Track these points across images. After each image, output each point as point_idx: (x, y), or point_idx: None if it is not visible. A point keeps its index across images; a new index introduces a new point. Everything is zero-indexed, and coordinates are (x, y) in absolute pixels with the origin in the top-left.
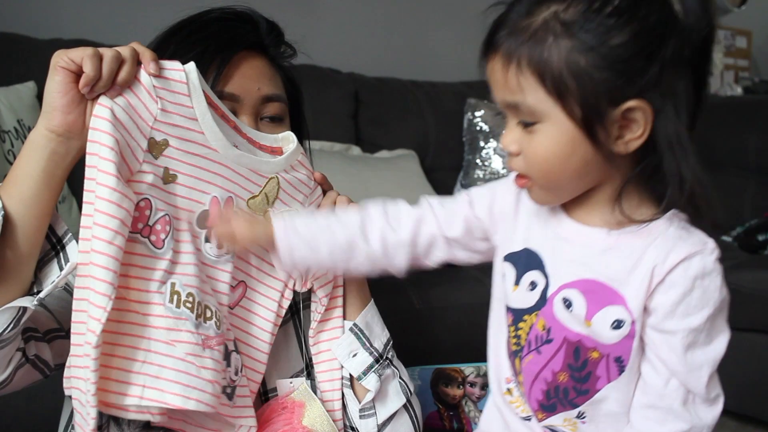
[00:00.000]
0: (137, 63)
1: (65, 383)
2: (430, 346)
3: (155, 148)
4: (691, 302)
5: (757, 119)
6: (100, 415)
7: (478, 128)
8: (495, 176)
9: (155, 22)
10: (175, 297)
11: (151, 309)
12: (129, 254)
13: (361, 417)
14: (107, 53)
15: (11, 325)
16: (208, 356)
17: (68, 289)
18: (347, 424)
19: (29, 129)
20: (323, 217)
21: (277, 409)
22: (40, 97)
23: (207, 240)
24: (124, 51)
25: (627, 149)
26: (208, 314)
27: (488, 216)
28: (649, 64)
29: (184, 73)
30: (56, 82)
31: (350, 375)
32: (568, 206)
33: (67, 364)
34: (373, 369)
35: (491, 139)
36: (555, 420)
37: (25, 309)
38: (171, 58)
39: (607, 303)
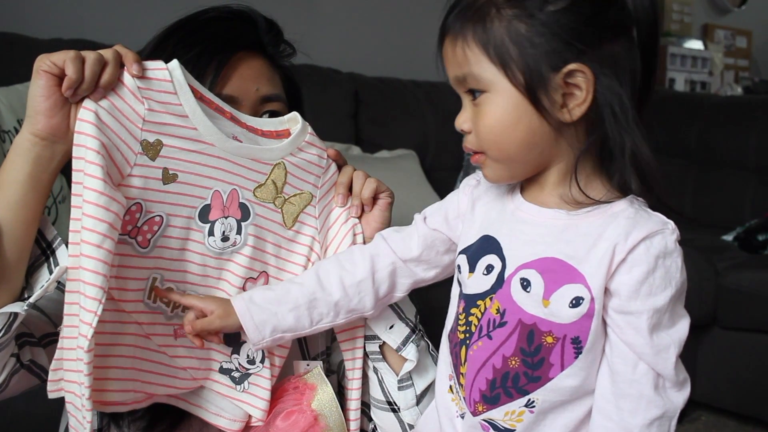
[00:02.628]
0: (120, 65)
1: (51, 386)
2: None
3: (150, 149)
4: (654, 282)
5: (757, 119)
6: (100, 417)
7: None
8: None
9: (155, 21)
10: (153, 293)
11: (136, 306)
12: (120, 256)
13: (399, 389)
14: (89, 56)
15: (2, 331)
16: (179, 344)
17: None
18: (381, 398)
19: None
20: (280, 284)
21: (288, 389)
22: None
23: (211, 233)
24: (107, 53)
25: (572, 117)
26: None
27: (445, 224)
28: (587, 28)
29: (167, 71)
30: (39, 86)
31: (380, 348)
32: (525, 190)
33: (52, 366)
34: (411, 340)
35: None
36: (495, 413)
37: (16, 315)
38: (169, 59)
39: (566, 281)
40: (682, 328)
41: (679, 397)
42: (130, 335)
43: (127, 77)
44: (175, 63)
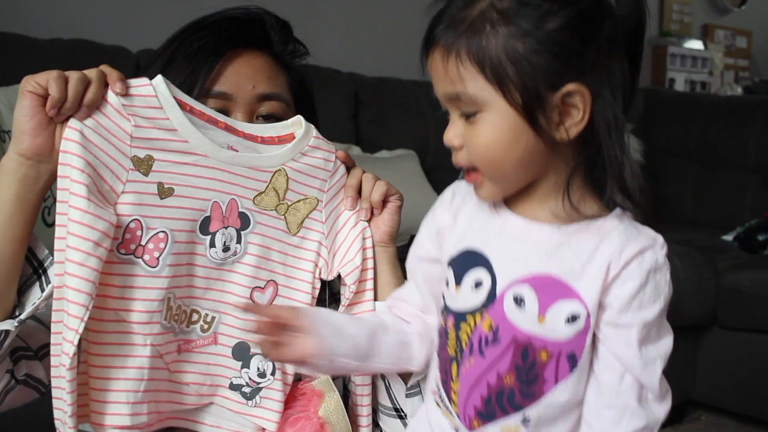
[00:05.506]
0: (105, 84)
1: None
2: None
3: (142, 165)
4: (644, 296)
5: (757, 119)
6: None
7: None
8: None
9: (155, 21)
10: (168, 312)
11: (153, 328)
12: (127, 276)
13: (407, 396)
14: (73, 75)
15: None
16: (182, 359)
17: None
18: (388, 405)
19: None
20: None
21: (296, 395)
22: None
23: (212, 245)
24: (90, 73)
25: (569, 135)
26: (194, 318)
27: (436, 244)
28: (585, 47)
29: (152, 87)
30: (23, 107)
31: None
32: (512, 202)
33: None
34: None
35: None
36: (491, 428)
37: (7, 332)
38: (172, 57)
39: (560, 297)
40: (667, 342)
41: (661, 409)
42: (143, 357)
43: (111, 95)
44: (159, 78)
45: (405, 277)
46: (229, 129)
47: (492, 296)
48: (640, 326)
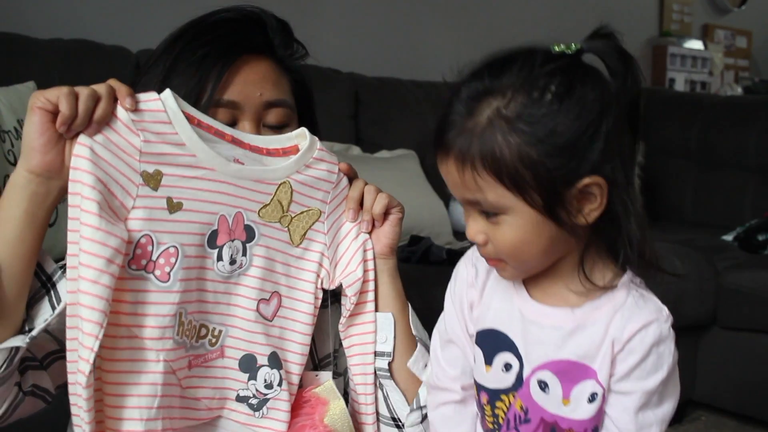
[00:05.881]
0: (114, 99)
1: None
2: None
3: (151, 180)
4: (646, 367)
5: (757, 119)
6: None
7: None
8: None
9: (155, 21)
10: (180, 328)
11: (165, 344)
12: (139, 292)
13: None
14: (83, 91)
15: (5, 365)
16: (193, 374)
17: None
18: (386, 414)
19: None
20: None
21: (301, 402)
22: None
23: (220, 258)
24: (100, 88)
25: (588, 220)
26: (203, 332)
27: (462, 322)
28: (595, 140)
29: (161, 101)
30: (33, 123)
31: (388, 366)
32: (528, 284)
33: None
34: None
35: None
36: None
37: (18, 349)
38: (175, 62)
39: (581, 379)
40: (669, 406)
41: None
42: (157, 373)
43: (120, 111)
44: (167, 92)
45: (404, 289)
46: (235, 142)
47: (520, 380)
48: (640, 394)
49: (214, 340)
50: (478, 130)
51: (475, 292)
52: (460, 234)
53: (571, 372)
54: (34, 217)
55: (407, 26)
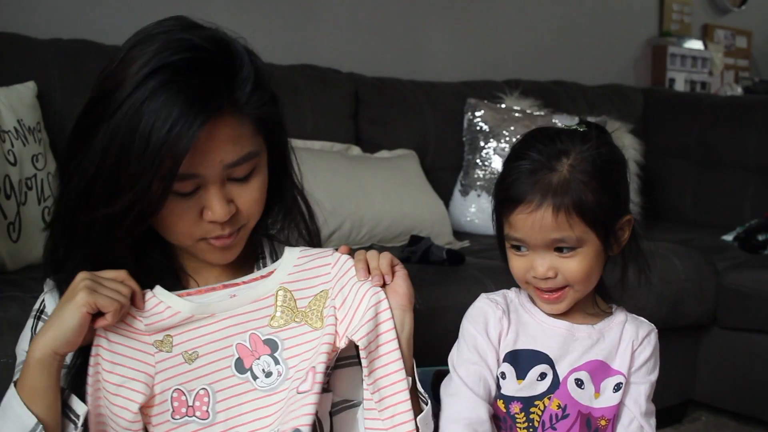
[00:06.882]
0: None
1: None
2: (430, 347)
3: (164, 345)
4: (651, 364)
5: (757, 119)
6: None
7: (478, 128)
8: (494, 176)
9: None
10: None
11: None
12: None
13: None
14: (121, 300)
15: None
16: None
17: None
18: None
19: (29, 129)
20: None
21: None
22: (40, 97)
23: (255, 377)
24: (125, 289)
25: (615, 252)
26: None
27: (492, 351)
28: (626, 188)
29: (152, 293)
30: (77, 319)
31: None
32: (553, 314)
33: None
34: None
35: (491, 139)
36: None
37: None
38: (148, 111)
39: (607, 375)
40: (653, 406)
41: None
42: None
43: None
44: (157, 289)
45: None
46: (227, 285)
47: (556, 383)
48: (648, 385)
49: None
50: (565, 183)
51: (505, 323)
52: (459, 234)
53: (599, 370)
54: (56, 387)
55: (407, 26)
